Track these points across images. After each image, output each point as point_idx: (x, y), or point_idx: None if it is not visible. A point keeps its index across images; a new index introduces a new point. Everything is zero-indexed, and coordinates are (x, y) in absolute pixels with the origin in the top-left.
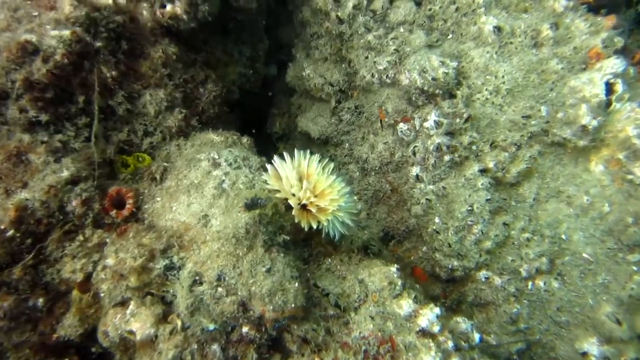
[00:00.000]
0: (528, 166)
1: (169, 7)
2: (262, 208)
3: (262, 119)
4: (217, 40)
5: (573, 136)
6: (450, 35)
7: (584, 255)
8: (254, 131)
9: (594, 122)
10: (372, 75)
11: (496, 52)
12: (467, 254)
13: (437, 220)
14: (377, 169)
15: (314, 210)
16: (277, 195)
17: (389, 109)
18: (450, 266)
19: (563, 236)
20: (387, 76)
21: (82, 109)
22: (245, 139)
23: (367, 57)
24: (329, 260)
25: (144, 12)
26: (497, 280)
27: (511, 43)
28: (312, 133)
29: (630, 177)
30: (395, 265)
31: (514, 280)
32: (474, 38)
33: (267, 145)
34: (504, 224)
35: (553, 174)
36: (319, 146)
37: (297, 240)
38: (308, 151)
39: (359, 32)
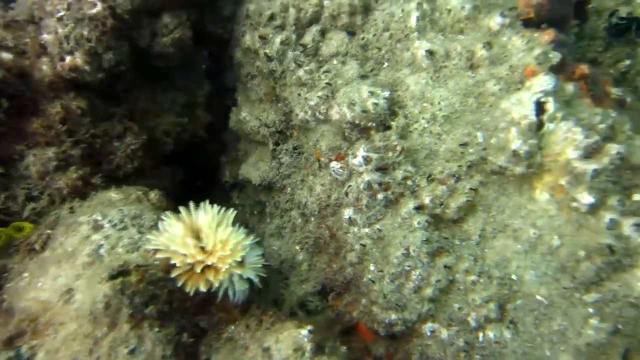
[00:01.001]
0: (469, 199)
1: (68, 59)
2: (126, 275)
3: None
4: (142, 90)
5: (508, 163)
6: (386, 64)
7: (538, 297)
8: (198, 183)
9: (525, 147)
10: (306, 113)
11: (431, 78)
12: (407, 305)
13: (372, 267)
14: (316, 213)
15: (204, 269)
16: (158, 255)
17: (322, 147)
18: (387, 320)
19: (513, 276)
20: (319, 112)
21: None
22: (153, 194)
23: (299, 94)
24: (232, 327)
25: (44, 67)
26: (444, 333)
27: (446, 67)
28: (254, 179)
29: (575, 204)
30: (308, 327)
31: (462, 332)
32: (409, 64)
33: (224, 196)
34: (445, 266)
35: (499, 206)
36: (265, 193)
37: (187, 308)
38: (207, 201)
39: (291, 69)
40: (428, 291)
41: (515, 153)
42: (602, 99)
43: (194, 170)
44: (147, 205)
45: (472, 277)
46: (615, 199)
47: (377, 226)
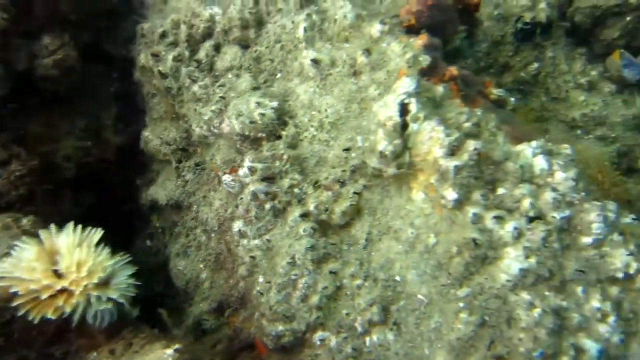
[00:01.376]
0: (353, 204)
1: None
2: None
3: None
4: (35, 115)
5: (379, 165)
6: (279, 75)
7: (419, 296)
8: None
9: (390, 148)
10: (201, 128)
11: (318, 86)
12: (295, 315)
13: (260, 279)
14: (216, 229)
15: (58, 293)
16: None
17: (218, 161)
18: (274, 332)
19: (397, 277)
20: (213, 126)
21: None
22: (26, 220)
23: (195, 110)
24: (95, 354)
25: None
26: (333, 341)
27: (331, 75)
28: (161, 199)
29: (443, 201)
30: (176, 346)
31: (350, 338)
32: (299, 74)
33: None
34: (331, 272)
35: (383, 208)
36: (176, 213)
37: (34, 338)
38: (72, 223)
39: (186, 85)
40: (315, 299)
41: (382, 154)
42: (474, 99)
43: (114, 194)
44: (15, 232)
45: (358, 282)
46: (479, 193)
47: (267, 237)
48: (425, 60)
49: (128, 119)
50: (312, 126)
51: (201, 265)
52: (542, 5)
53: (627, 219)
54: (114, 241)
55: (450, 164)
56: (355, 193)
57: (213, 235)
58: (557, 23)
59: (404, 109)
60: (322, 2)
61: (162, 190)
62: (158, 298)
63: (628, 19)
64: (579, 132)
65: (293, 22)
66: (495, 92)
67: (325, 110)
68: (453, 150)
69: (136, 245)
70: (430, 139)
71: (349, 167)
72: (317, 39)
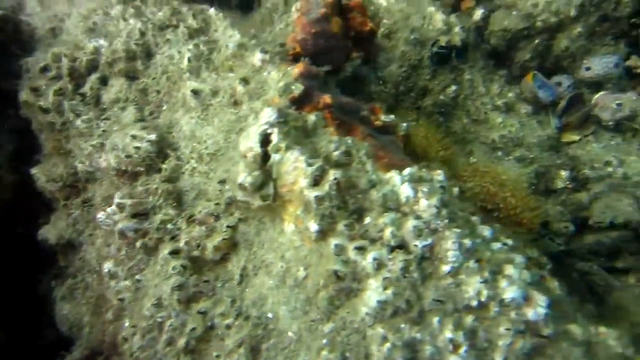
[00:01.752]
0: (225, 238)
1: None
2: None
3: None
4: None
5: (244, 197)
6: (165, 106)
7: (289, 334)
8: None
9: (249, 179)
10: (83, 163)
11: (199, 116)
12: None
13: (126, 324)
14: (97, 269)
15: None
16: None
17: (98, 198)
18: None
19: (269, 314)
20: (94, 161)
21: None
22: None
23: (79, 144)
24: None
25: None
26: None
27: (212, 105)
28: (51, 239)
29: (308, 233)
30: None
31: None
32: (183, 105)
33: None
34: (200, 312)
35: (260, 241)
36: (69, 253)
37: None
38: None
39: (70, 119)
40: (182, 342)
41: (241, 186)
42: (352, 127)
43: (15, 235)
44: None
45: (228, 321)
46: (343, 223)
47: (138, 277)
48: (297, 88)
49: (28, 157)
50: (192, 158)
51: (84, 309)
52: (457, 29)
53: (498, 244)
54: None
55: (312, 194)
56: (229, 227)
57: (95, 275)
58: (475, 46)
59: (266, 140)
60: (213, 32)
61: (53, 230)
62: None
63: (537, 41)
64: (499, 153)
65: (180, 52)
66: (383, 118)
67: (205, 141)
68: (317, 180)
69: (43, 285)
70: (295, 169)
71: (224, 199)
72: (203, 69)
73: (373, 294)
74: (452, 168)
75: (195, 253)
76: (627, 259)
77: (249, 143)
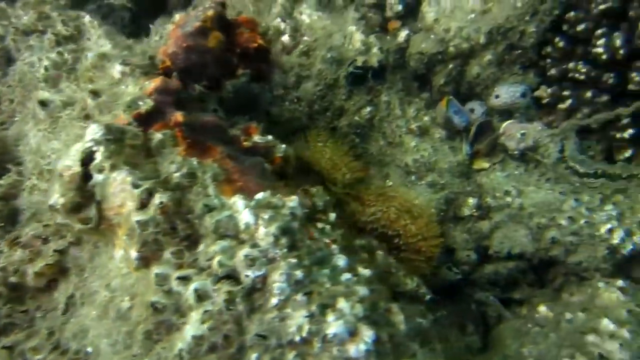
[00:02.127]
0: (49, 263)
1: None
2: None
3: None
4: None
5: (65, 220)
6: (17, 117)
7: None
8: None
9: (61, 200)
10: None
11: (47, 130)
12: None
13: None
14: None
15: None
16: None
17: None
18: None
19: (89, 348)
20: None
21: None
22: None
23: None
24: None
25: None
26: None
27: (61, 117)
28: None
29: (130, 261)
30: None
31: None
32: (33, 116)
33: None
34: (5, 347)
35: (92, 267)
36: None
37: None
38: None
39: None
40: None
41: (52, 208)
42: (207, 147)
43: None
44: None
45: (40, 356)
46: (170, 251)
47: None
48: (146, 105)
49: None
50: (33, 174)
51: None
52: (375, 49)
53: (348, 275)
54: None
55: (134, 218)
56: (56, 251)
57: None
58: (396, 67)
59: (89, 158)
60: (86, 40)
61: None
62: None
63: (450, 66)
64: (413, 177)
65: (40, 60)
66: (257, 139)
67: (49, 156)
68: (144, 203)
69: None
70: (123, 190)
71: (54, 221)
72: (64, 79)
73: (190, 328)
74: (361, 191)
75: (13, 279)
76: (525, 290)
77: (67, 161)
